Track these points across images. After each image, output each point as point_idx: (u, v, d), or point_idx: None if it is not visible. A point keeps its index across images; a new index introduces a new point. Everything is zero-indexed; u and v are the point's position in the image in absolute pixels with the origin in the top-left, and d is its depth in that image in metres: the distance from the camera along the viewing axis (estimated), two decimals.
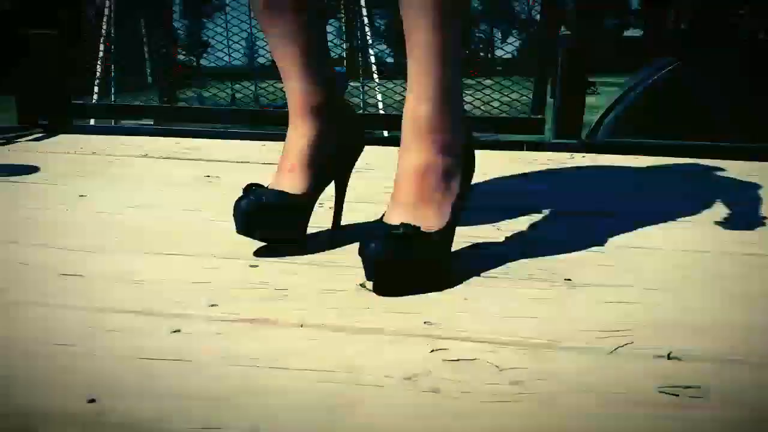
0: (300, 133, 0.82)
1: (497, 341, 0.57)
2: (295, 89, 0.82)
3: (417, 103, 0.73)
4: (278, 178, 0.81)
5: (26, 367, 0.52)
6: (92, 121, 2.71)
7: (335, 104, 0.85)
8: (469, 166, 0.79)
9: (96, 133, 1.97)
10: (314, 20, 0.84)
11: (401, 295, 0.67)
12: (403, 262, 0.67)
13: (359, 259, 0.76)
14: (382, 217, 0.72)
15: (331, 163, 0.84)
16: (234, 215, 0.77)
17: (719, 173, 1.42)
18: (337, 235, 0.87)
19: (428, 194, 0.72)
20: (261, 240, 0.80)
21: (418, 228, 0.67)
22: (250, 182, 0.80)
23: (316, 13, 0.85)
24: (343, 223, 0.90)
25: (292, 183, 0.80)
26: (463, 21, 0.74)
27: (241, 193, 0.79)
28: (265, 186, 0.81)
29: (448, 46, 0.71)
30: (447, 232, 0.71)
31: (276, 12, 0.80)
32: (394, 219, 0.70)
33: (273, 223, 0.78)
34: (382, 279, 0.69)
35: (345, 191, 0.89)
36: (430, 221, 0.70)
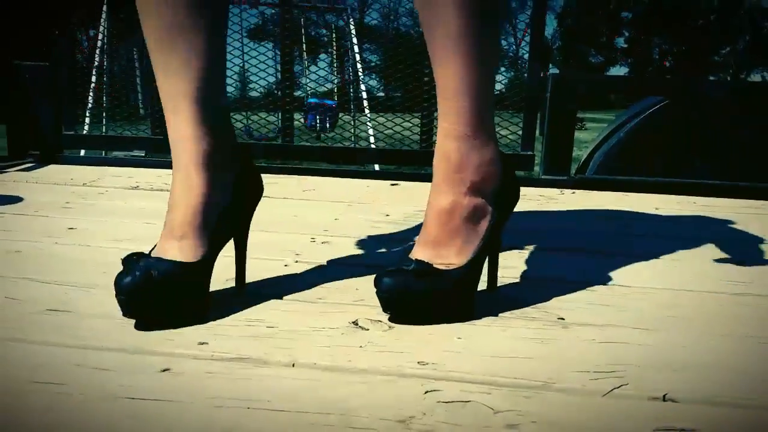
0: (189, 187, 0.70)
1: (491, 382, 0.57)
2: (185, 135, 0.70)
3: (446, 140, 0.71)
4: (164, 245, 0.69)
5: (11, 407, 0.51)
6: (83, 152, 2.71)
7: (228, 145, 0.74)
8: (506, 206, 0.76)
9: (87, 164, 1.97)
10: (218, 22, 0.71)
11: (416, 324, 0.69)
12: (413, 296, 0.69)
13: (349, 296, 0.77)
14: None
15: (228, 219, 0.73)
16: (116, 295, 0.65)
17: (709, 211, 1.43)
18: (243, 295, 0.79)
19: (451, 234, 0.71)
20: (147, 326, 0.67)
21: (430, 265, 0.69)
22: (130, 252, 0.69)
23: (220, 13, 0.72)
24: (340, 254, 0.90)
25: (183, 251, 0.69)
26: (495, 57, 0.73)
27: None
28: (149, 254, 0.69)
29: (481, 82, 0.70)
30: (466, 271, 0.71)
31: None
32: (416, 255, 0.71)
33: (166, 302, 0.67)
34: (394, 311, 0.70)
35: (246, 245, 0.79)
36: (450, 259, 0.70)
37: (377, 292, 0.69)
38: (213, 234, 0.71)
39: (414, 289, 0.68)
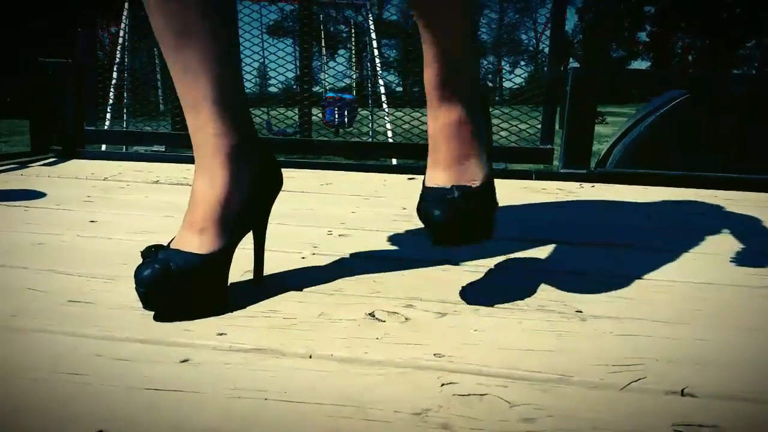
0: (212, 182, 0.71)
1: (508, 375, 0.56)
2: (206, 133, 0.71)
3: (441, 69, 0.72)
4: (184, 238, 0.70)
5: (33, 396, 0.52)
6: (104, 147, 2.74)
7: (249, 140, 0.74)
8: (488, 118, 0.81)
9: (108, 159, 1.99)
10: (227, 23, 0.71)
11: (460, 246, 0.71)
12: (465, 222, 0.69)
13: (366, 287, 0.76)
14: (424, 181, 0.74)
15: (246, 211, 0.74)
16: (136, 288, 0.66)
17: (730, 204, 1.41)
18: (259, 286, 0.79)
19: (466, 150, 0.72)
20: (166, 317, 0.68)
21: (470, 187, 0.70)
22: (150, 244, 0.68)
23: (228, 13, 0.72)
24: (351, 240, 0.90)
25: (203, 244, 0.69)
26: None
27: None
28: (168, 245, 0.70)
29: (459, 20, 0.71)
30: (490, 183, 0.73)
31: None
32: (440, 180, 0.71)
33: (185, 294, 0.67)
34: (447, 240, 0.70)
35: (264, 238, 0.79)
36: (474, 176, 0.71)
37: (427, 222, 0.69)
38: (233, 227, 0.72)
39: (466, 214, 0.69)
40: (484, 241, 0.72)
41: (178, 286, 0.66)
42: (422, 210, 0.70)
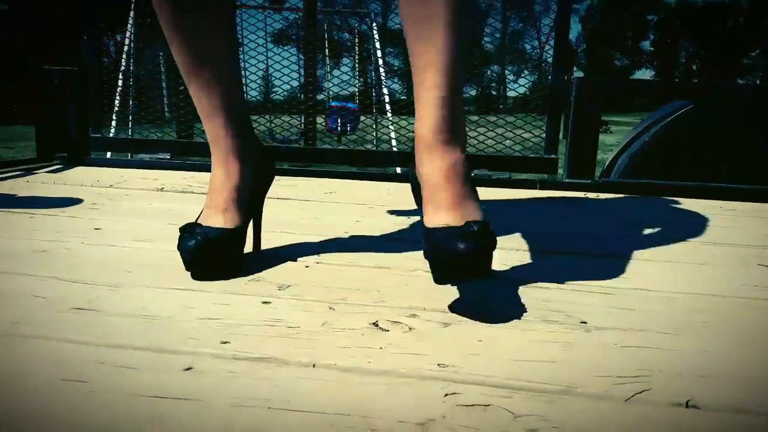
0: (228, 172, 0.89)
1: (512, 386, 0.56)
2: (221, 135, 0.88)
3: (434, 117, 0.75)
4: (212, 216, 0.87)
5: (36, 404, 0.52)
6: (109, 154, 2.75)
7: (252, 139, 0.92)
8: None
9: (113, 166, 2.00)
10: (233, 46, 0.88)
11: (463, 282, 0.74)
12: (487, 254, 0.70)
13: (370, 297, 0.77)
14: (424, 223, 0.75)
15: (253, 196, 0.92)
16: (183, 255, 0.83)
17: (735, 215, 1.41)
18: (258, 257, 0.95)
19: (467, 189, 0.75)
20: (204, 277, 0.84)
21: (483, 222, 0.71)
22: (186, 223, 0.86)
23: (234, 37, 0.88)
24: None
25: (227, 221, 0.87)
26: (466, 33, 0.77)
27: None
28: (198, 223, 0.86)
29: (456, 70, 0.75)
30: (488, 222, 0.73)
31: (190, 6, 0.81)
32: (448, 220, 0.73)
33: (220, 258, 0.85)
34: (465, 272, 0.70)
35: (261, 215, 0.98)
36: (478, 215, 0.74)
37: (447, 256, 0.70)
38: (247, 207, 0.90)
39: (488, 246, 0.70)
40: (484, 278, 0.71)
41: (214, 252, 0.84)
42: (439, 249, 0.71)
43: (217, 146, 0.89)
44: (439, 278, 0.72)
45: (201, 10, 0.82)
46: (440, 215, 0.74)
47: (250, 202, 0.91)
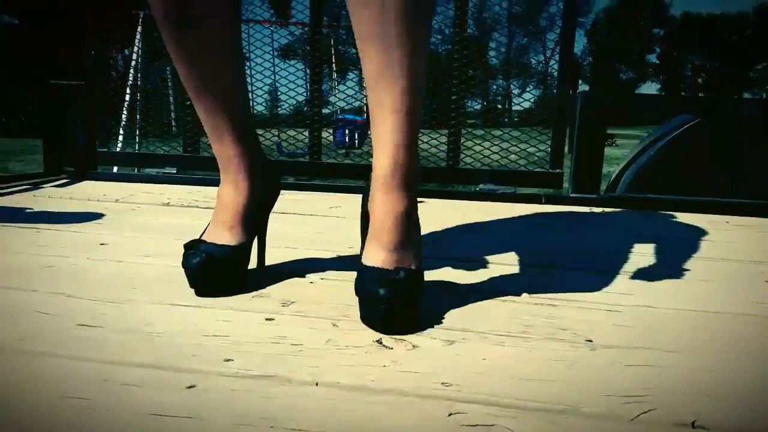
0: (237, 189, 0.89)
1: (517, 405, 0.56)
2: (230, 154, 0.89)
3: (394, 159, 0.77)
4: (218, 233, 0.87)
5: (40, 421, 0.52)
6: (115, 168, 2.77)
7: (258, 157, 0.92)
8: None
9: (119, 180, 2.01)
10: (240, 69, 0.88)
11: (402, 334, 0.72)
12: (408, 303, 0.73)
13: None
14: (362, 257, 0.78)
15: (258, 213, 0.92)
16: (187, 272, 0.84)
17: (741, 230, 1.40)
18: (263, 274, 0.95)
19: (408, 236, 0.77)
20: (209, 294, 0.84)
21: (411, 269, 0.74)
22: (190, 239, 0.87)
23: (241, 62, 0.89)
24: None
25: (232, 238, 0.87)
26: (424, 81, 0.78)
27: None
28: (202, 239, 0.87)
29: (418, 113, 0.76)
30: (422, 270, 0.77)
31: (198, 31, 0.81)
32: (383, 262, 0.75)
33: (224, 275, 0.85)
34: (396, 323, 0.73)
35: (266, 233, 0.98)
36: (412, 261, 0.76)
37: (370, 300, 0.73)
38: (252, 224, 0.90)
39: (411, 297, 0.74)
40: (413, 329, 0.73)
41: (219, 270, 0.84)
42: (364, 289, 0.74)
43: (225, 164, 0.90)
44: (361, 316, 0.76)
45: (204, 32, 0.82)
46: (378, 255, 0.76)
47: (255, 218, 0.91)
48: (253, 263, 0.94)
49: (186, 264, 0.84)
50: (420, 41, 0.73)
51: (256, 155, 0.92)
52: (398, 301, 0.72)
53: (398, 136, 0.76)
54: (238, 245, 0.87)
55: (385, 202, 0.78)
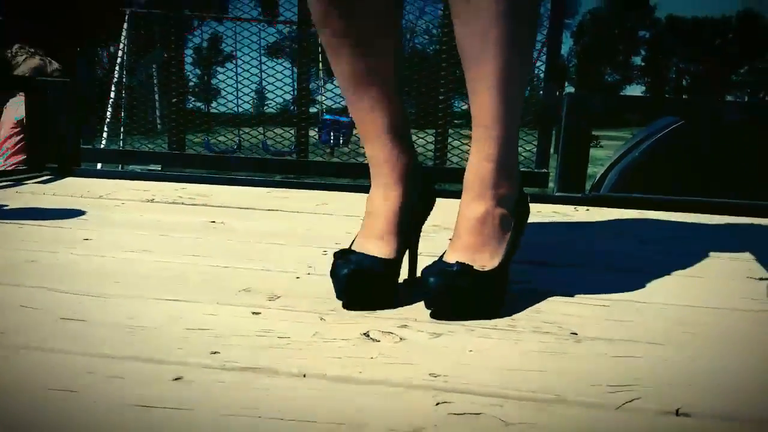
0: (387, 198, 0.84)
1: (503, 395, 0.56)
2: (381, 159, 0.85)
3: (484, 161, 0.80)
4: (368, 243, 0.83)
5: (24, 414, 0.51)
6: (99, 165, 2.74)
7: (414, 163, 0.87)
8: (523, 217, 0.86)
9: (103, 177, 1.99)
10: (399, 61, 0.84)
11: (456, 320, 0.74)
12: (457, 294, 0.75)
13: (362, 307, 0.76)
14: (441, 257, 0.79)
15: (412, 225, 0.87)
16: (335, 282, 0.79)
17: (724, 229, 1.42)
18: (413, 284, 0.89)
19: (485, 241, 0.79)
20: (356, 306, 0.79)
21: (470, 266, 0.75)
22: (341, 248, 0.82)
23: (400, 55, 0.85)
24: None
25: (382, 249, 0.82)
26: (524, 90, 0.82)
27: (337, 254, 0.81)
28: (352, 248, 0.83)
29: (513, 113, 0.78)
30: (499, 271, 0.78)
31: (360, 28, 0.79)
32: (452, 259, 0.77)
33: (372, 289, 0.80)
34: (440, 306, 0.75)
35: (418, 243, 0.91)
36: (484, 263, 0.77)
37: (424, 288, 0.75)
38: (403, 238, 0.84)
39: (460, 287, 0.74)
40: (483, 319, 0.75)
41: (368, 282, 0.79)
42: (423, 275, 0.77)
43: (380, 168, 0.85)
44: (426, 304, 0.77)
45: (370, 20, 0.78)
46: (451, 254, 0.78)
47: (408, 232, 0.85)
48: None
49: (334, 274, 0.79)
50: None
51: (411, 160, 0.86)
52: (446, 291, 0.74)
53: (484, 141, 0.79)
54: (389, 258, 0.81)
55: (464, 205, 0.81)
